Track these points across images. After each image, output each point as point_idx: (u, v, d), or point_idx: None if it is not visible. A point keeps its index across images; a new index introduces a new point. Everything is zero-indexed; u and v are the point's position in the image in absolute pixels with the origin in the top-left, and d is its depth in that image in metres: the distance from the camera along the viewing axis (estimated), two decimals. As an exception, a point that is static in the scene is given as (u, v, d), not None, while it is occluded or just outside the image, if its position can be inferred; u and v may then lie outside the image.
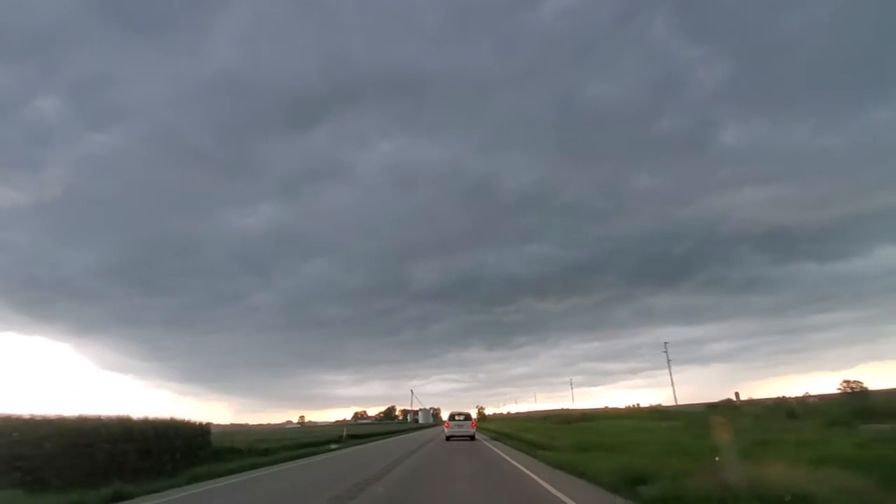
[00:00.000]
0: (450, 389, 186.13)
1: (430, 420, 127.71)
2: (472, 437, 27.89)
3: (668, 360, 62.06)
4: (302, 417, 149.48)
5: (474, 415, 48.22)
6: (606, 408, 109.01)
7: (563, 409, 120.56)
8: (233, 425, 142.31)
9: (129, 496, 9.71)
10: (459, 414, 29.77)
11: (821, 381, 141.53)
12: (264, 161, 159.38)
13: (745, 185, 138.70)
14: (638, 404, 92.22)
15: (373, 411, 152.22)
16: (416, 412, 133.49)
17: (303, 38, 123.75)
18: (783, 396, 48.95)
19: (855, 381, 35.35)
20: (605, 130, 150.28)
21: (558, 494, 8.20)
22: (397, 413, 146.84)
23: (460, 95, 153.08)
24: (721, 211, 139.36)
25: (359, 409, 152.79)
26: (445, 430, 28.82)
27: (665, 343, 63.55)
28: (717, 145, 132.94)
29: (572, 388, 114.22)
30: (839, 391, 36.01)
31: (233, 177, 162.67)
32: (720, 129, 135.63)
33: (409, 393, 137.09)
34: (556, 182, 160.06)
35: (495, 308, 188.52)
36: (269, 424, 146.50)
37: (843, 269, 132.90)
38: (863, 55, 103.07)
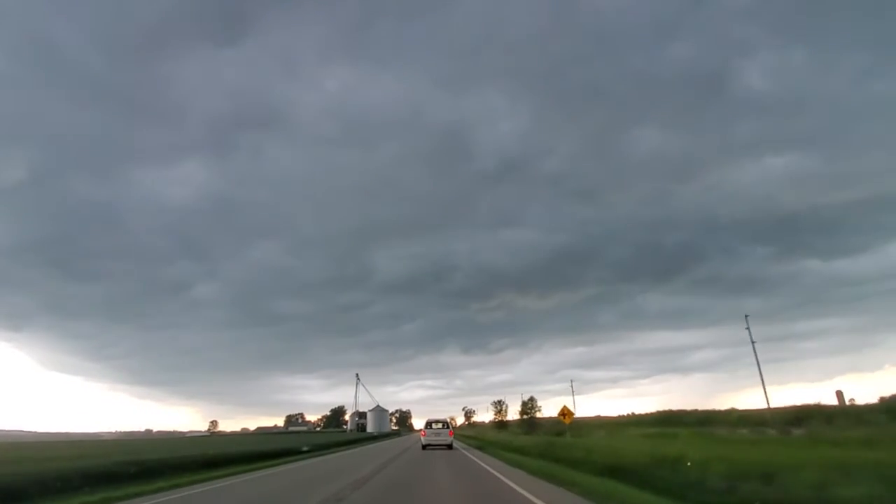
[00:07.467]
0: (427, 397, 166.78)
1: (387, 427, 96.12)
2: (449, 447, 27.73)
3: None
4: (213, 423, 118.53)
5: (460, 421, 47.07)
6: (599, 416, 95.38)
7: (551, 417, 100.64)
8: (178, 432, 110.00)
9: None
10: (437, 421, 29.60)
11: (798, 393, 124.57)
12: (179, 93, 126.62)
13: (766, 150, 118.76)
14: (633, 412, 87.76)
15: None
16: (362, 414, 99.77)
17: None
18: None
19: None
20: (607, 54, 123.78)
21: None
22: (346, 417, 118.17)
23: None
24: (729, 188, 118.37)
25: (292, 413, 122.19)
26: (422, 438, 28.71)
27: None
28: (740, 86, 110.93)
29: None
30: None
31: (142, 117, 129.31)
32: (747, 59, 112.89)
33: (384, 398, 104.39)
34: (541, 137, 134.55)
35: (471, 304, 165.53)
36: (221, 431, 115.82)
37: (846, 268, 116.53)
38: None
